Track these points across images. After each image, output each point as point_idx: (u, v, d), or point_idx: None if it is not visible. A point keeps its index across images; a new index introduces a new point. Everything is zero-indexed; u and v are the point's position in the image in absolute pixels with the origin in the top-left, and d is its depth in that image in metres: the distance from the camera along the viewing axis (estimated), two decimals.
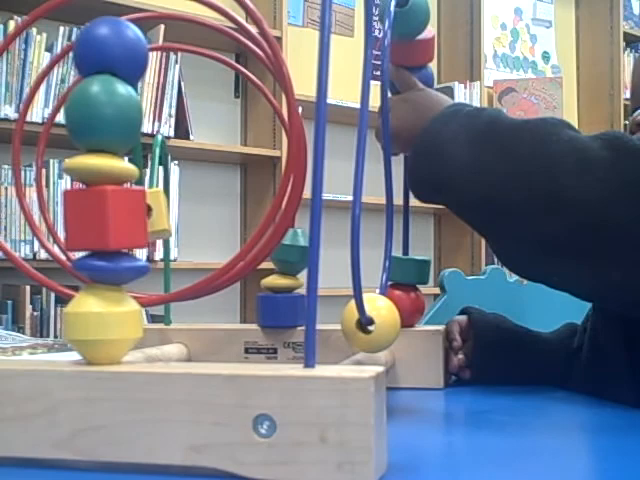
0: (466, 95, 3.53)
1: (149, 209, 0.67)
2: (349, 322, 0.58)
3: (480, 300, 0.97)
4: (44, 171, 2.45)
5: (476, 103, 3.48)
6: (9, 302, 2.47)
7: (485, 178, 0.67)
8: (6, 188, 2.43)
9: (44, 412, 0.48)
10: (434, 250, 3.71)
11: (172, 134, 2.68)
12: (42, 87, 2.40)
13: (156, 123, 2.64)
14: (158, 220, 0.67)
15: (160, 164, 0.82)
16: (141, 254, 2.46)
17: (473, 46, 3.64)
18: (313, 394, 0.44)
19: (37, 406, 0.49)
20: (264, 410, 0.45)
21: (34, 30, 2.43)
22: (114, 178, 0.49)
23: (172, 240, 2.25)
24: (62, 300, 2.35)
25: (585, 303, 0.83)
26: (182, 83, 2.76)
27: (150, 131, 2.60)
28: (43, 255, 2.41)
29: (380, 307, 0.59)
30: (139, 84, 2.47)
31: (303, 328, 0.46)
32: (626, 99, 4.03)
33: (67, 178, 2.48)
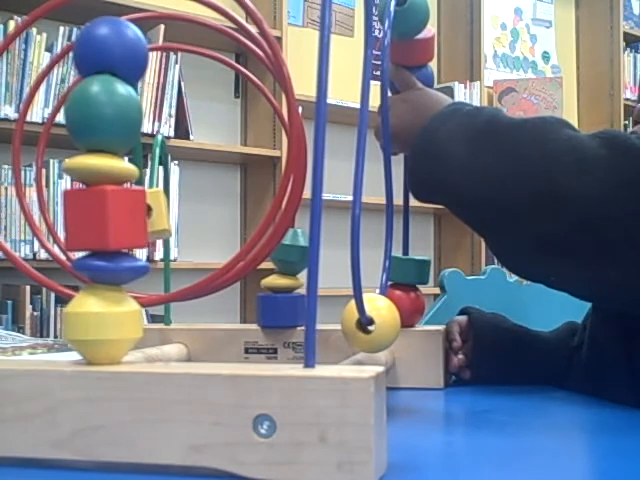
0: (466, 95, 3.53)
1: (149, 209, 0.67)
2: (349, 322, 0.58)
3: (480, 300, 0.97)
4: (44, 171, 2.45)
5: (476, 103, 3.48)
6: (9, 302, 2.47)
7: (483, 177, 0.67)
8: (6, 188, 2.43)
9: (44, 412, 0.48)
10: (434, 250, 3.71)
11: (172, 134, 2.68)
12: (42, 87, 2.40)
13: (156, 123, 2.64)
14: (158, 220, 0.67)
15: (160, 164, 0.82)
16: (141, 254, 2.46)
17: (473, 46, 3.64)
18: (313, 394, 0.44)
19: (37, 406, 0.48)
20: (264, 410, 0.45)
21: (34, 30, 2.43)
22: (114, 178, 0.49)
23: (172, 240, 2.25)
24: (62, 300, 2.35)
25: (585, 303, 0.83)
26: (182, 83, 2.76)
27: (150, 131, 2.60)
28: (43, 255, 2.41)
29: (380, 307, 0.59)
30: (139, 84, 2.47)
31: (303, 328, 0.46)
32: (626, 99, 4.03)
33: (67, 178, 2.48)
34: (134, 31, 0.50)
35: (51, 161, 2.47)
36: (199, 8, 0.73)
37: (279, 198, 0.66)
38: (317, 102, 0.46)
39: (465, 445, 0.61)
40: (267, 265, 0.77)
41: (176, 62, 2.72)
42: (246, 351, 0.85)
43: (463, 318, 0.89)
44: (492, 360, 0.86)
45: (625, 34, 4.07)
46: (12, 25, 2.40)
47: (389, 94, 0.80)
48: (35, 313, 2.46)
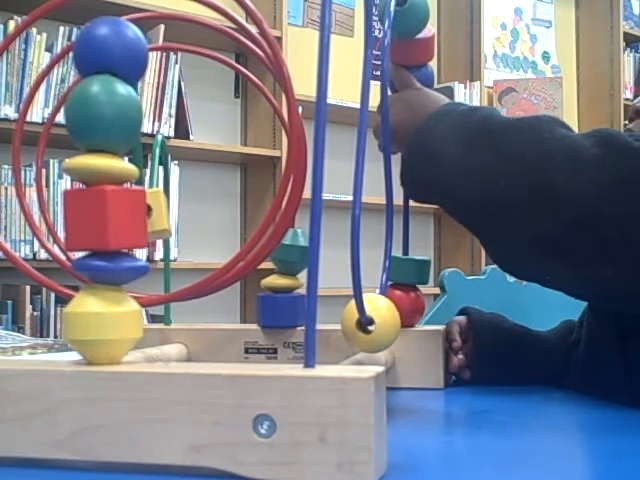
0: (466, 95, 3.54)
1: (149, 209, 0.67)
2: (349, 322, 0.58)
3: (480, 300, 0.97)
4: (44, 171, 2.45)
5: (476, 103, 3.48)
6: (9, 302, 2.47)
7: (478, 177, 0.67)
8: (6, 188, 2.43)
9: (44, 412, 0.48)
10: (434, 250, 3.71)
11: (172, 134, 2.68)
12: (42, 87, 2.40)
13: (156, 123, 2.64)
14: (158, 220, 0.67)
15: (160, 164, 0.82)
16: (141, 254, 2.46)
17: (473, 46, 3.64)
18: (313, 394, 0.44)
19: (37, 406, 0.48)
20: (264, 410, 0.45)
21: (34, 30, 2.43)
22: (114, 178, 0.49)
23: (172, 240, 2.25)
24: (62, 300, 2.35)
25: (584, 302, 0.83)
26: (182, 83, 2.76)
27: (150, 131, 2.60)
28: (43, 255, 2.41)
29: (380, 307, 0.59)
30: (139, 84, 2.47)
31: (303, 328, 0.46)
32: (626, 99, 4.04)
33: (67, 178, 2.48)
34: (134, 31, 0.50)
35: (51, 161, 2.47)
36: (199, 8, 0.73)
37: (279, 198, 0.66)
38: (317, 102, 0.46)
39: (465, 445, 0.61)
40: (267, 265, 0.77)
41: (176, 62, 2.72)
42: (246, 351, 0.85)
43: (463, 318, 0.89)
44: (492, 360, 0.86)
45: (625, 34, 4.07)
46: (12, 25, 2.40)
47: (389, 93, 0.80)
48: (35, 313, 2.46)
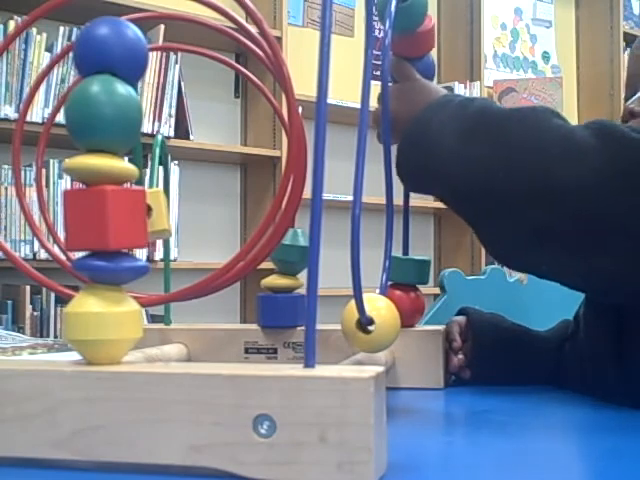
0: (466, 95, 3.54)
1: (149, 209, 0.67)
2: (349, 322, 0.58)
3: (480, 300, 0.97)
4: (44, 171, 2.45)
5: None
6: (9, 302, 2.47)
7: (476, 168, 0.66)
8: (6, 188, 2.43)
9: (44, 412, 0.48)
10: (434, 250, 3.71)
11: (172, 134, 2.68)
12: (42, 87, 2.40)
13: (156, 123, 2.64)
14: (158, 220, 0.67)
15: (160, 164, 0.82)
16: (141, 254, 2.46)
17: (473, 46, 3.64)
18: (313, 394, 0.44)
19: (37, 406, 0.48)
20: (264, 410, 0.45)
21: (34, 30, 2.44)
22: (114, 178, 0.49)
23: (172, 240, 2.25)
24: (62, 300, 2.35)
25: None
26: (182, 83, 2.76)
27: (150, 131, 2.60)
28: (43, 255, 2.41)
29: (380, 307, 0.59)
30: (139, 84, 2.47)
31: (303, 328, 0.46)
32: None
33: (67, 178, 2.48)
34: (134, 31, 0.50)
35: (51, 161, 2.47)
36: (199, 8, 0.73)
37: (279, 198, 0.66)
38: (317, 102, 0.46)
39: (465, 445, 0.61)
40: (267, 265, 0.77)
41: (176, 62, 2.72)
42: (246, 351, 0.85)
43: (462, 318, 0.89)
44: (492, 359, 0.86)
45: (625, 34, 4.07)
46: (12, 25, 2.40)
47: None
48: (35, 313, 2.46)
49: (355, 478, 0.43)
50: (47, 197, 2.46)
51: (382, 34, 0.71)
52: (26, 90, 2.41)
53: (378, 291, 0.65)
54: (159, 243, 2.47)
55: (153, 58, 2.62)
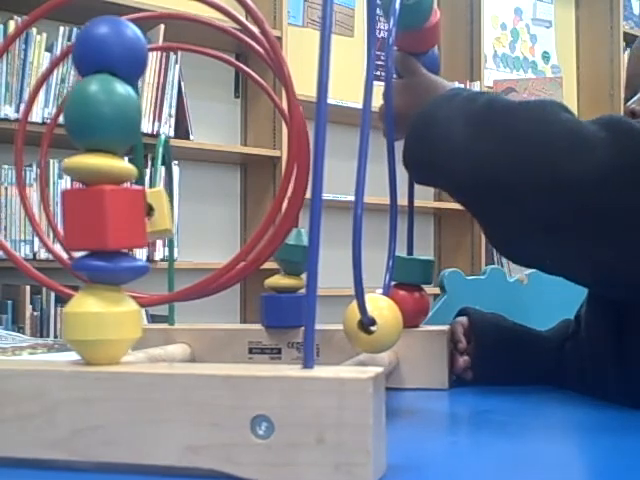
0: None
1: (151, 209, 0.66)
2: (351, 322, 0.58)
3: (480, 300, 0.97)
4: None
5: None
6: (9, 302, 2.47)
7: (483, 160, 0.66)
8: (6, 188, 2.43)
9: (43, 412, 0.48)
10: (434, 250, 3.71)
11: (172, 134, 2.68)
12: (42, 87, 2.40)
13: (156, 123, 2.64)
14: (160, 220, 0.67)
15: (163, 164, 0.82)
16: (141, 254, 2.46)
17: (473, 46, 3.64)
18: (311, 395, 0.44)
19: (36, 406, 0.48)
20: (262, 411, 0.45)
21: (34, 30, 2.43)
22: (113, 178, 0.49)
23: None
24: (62, 300, 2.35)
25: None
26: (182, 83, 2.76)
27: (150, 131, 2.60)
28: (43, 255, 2.41)
29: (382, 307, 0.58)
30: (139, 84, 2.47)
31: None
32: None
33: (67, 178, 2.47)
34: (134, 31, 0.50)
35: (51, 161, 2.47)
36: (199, 8, 0.73)
37: (280, 196, 0.65)
38: (317, 102, 0.46)
39: (468, 446, 0.61)
40: (270, 265, 0.76)
41: (176, 62, 2.72)
42: (250, 351, 0.85)
43: (464, 319, 0.88)
44: (493, 359, 0.86)
45: (625, 34, 4.07)
46: (12, 25, 2.40)
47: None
48: (35, 313, 2.46)
49: None
50: (47, 197, 2.46)
51: (386, 32, 0.70)
52: (26, 90, 2.41)
53: (380, 291, 0.64)
54: (159, 243, 2.47)
55: (153, 58, 2.62)
